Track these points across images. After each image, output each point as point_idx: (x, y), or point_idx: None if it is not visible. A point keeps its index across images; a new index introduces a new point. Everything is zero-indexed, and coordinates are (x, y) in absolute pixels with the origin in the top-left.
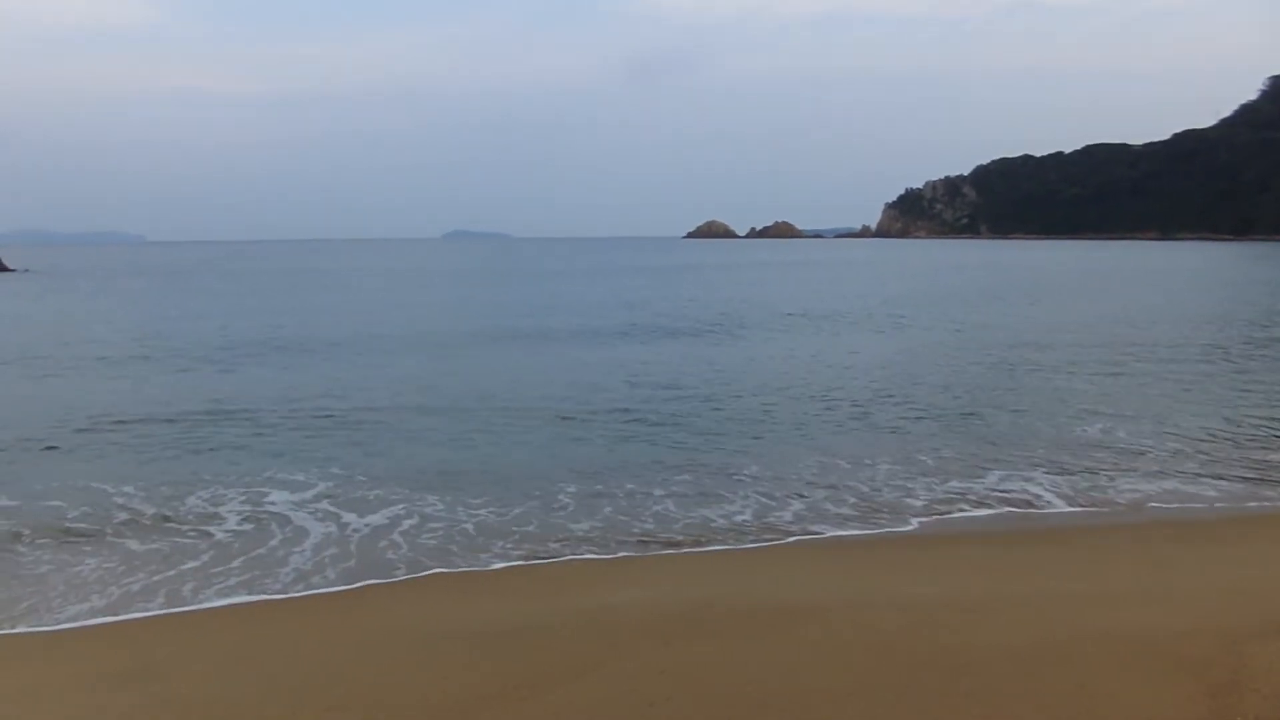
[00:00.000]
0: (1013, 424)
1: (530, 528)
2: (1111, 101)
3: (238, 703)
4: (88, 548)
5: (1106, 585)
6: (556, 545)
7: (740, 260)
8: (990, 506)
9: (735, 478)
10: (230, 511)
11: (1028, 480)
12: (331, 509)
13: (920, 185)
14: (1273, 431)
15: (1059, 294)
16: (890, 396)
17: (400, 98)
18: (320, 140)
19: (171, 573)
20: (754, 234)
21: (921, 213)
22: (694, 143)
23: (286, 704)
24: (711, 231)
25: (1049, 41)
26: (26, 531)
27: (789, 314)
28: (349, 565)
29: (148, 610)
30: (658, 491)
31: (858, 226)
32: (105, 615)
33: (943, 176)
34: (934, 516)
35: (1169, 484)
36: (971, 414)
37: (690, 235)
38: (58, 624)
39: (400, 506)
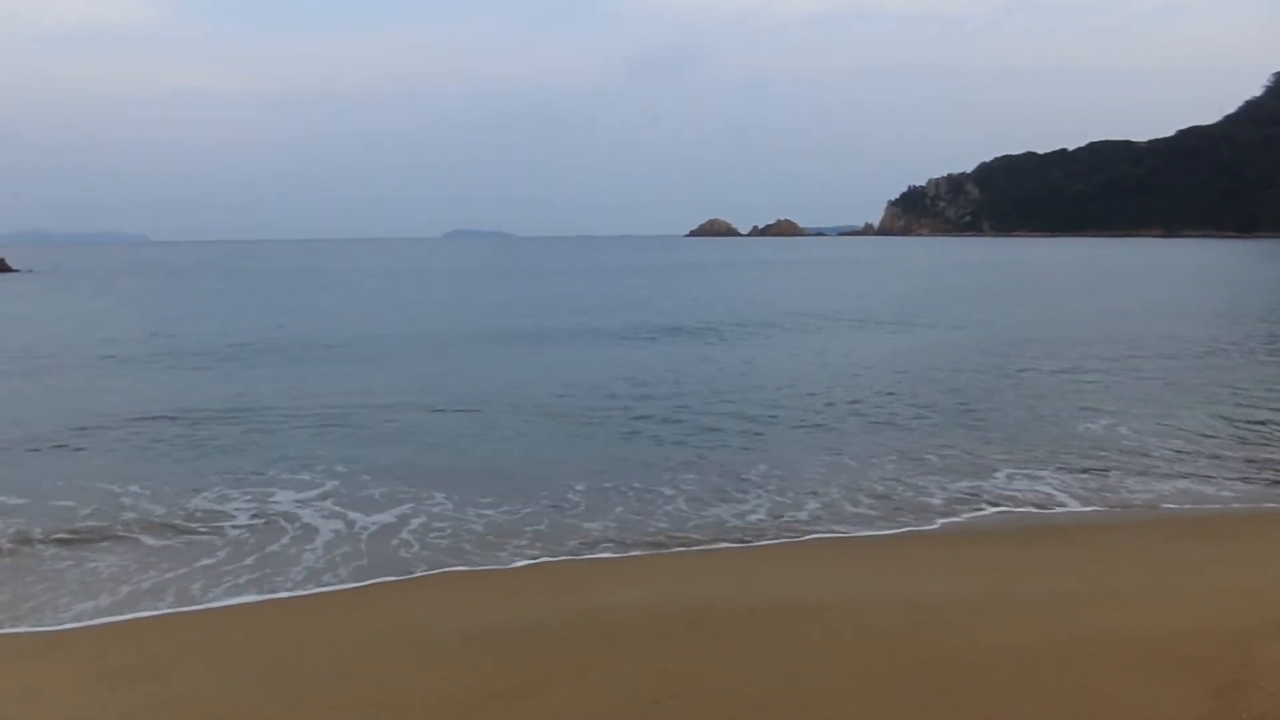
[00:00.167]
0: (1018, 422)
1: (542, 527)
2: (1115, 98)
3: (240, 701)
4: (94, 547)
5: (1109, 584)
6: (574, 544)
7: (742, 259)
8: (1009, 506)
9: (744, 476)
10: (237, 511)
11: (1036, 479)
12: (338, 508)
13: (923, 183)
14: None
15: (1063, 292)
16: (893, 394)
17: (401, 97)
18: (321, 140)
19: (179, 572)
20: (756, 232)
21: (924, 210)
22: (696, 141)
23: (289, 703)
24: (713, 230)
25: (1052, 38)
26: (33, 530)
27: (791, 313)
28: (357, 565)
29: (154, 610)
30: (668, 490)
31: (860, 224)
32: (110, 614)
33: (946, 174)
34: (955, 518)
35: (1179, 484)
36: (977, 412)
37: (692, 233)
38: (63, 623)
39: (408, 506)
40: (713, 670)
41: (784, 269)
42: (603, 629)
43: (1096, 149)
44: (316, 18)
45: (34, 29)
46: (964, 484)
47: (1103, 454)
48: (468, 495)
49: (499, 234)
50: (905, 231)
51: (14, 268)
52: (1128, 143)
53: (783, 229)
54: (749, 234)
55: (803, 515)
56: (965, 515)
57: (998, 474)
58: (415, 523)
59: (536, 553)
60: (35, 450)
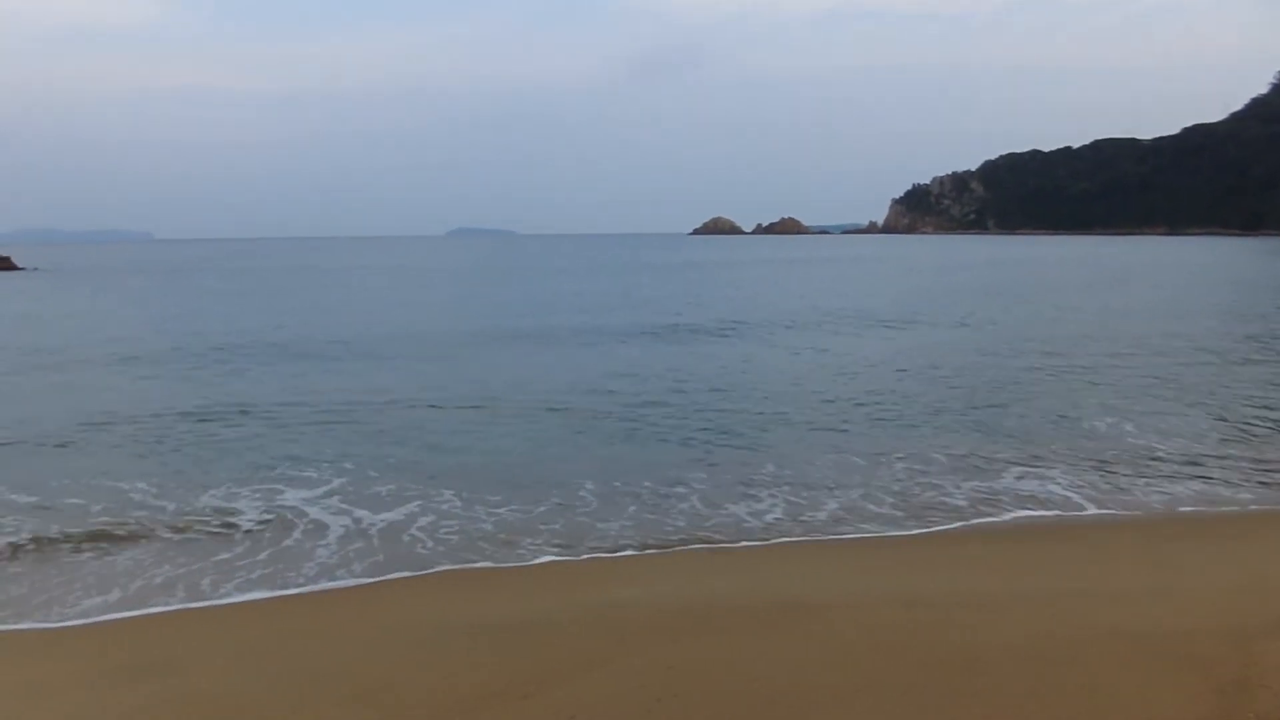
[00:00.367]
0: (1024, 420)
1: (557, 526)
2: (1120, 96)
3: (245, 698)
4: (103, 544)
5: (1113, 584)
6: (592, 543)
7: (745, 257)
8: (1033, 508)
9: (754, 475)
10: (245, 508)
11: (1045, 480)
12: (346, 505)
13: (927, 181)
14: None
15: (1067, 290)
16: (897, 393)
17: (403, 96)
18: (324, 138)
19: (189, 569)
20: (760, 230)
21: (929, 208)
22: (699, 139)
23: (294, 699)
24: (717, 228)
25: (1055, 36)
26: (42, 527)
27: (793, 311)
28: (366, 563)
29: (164, 606)
30: (679, 489)
31: (864, 222)
32: (119, 610)
33: (950, 172)
34: (984, 519)
35: (1183, 483)
36: (982, 410)
37: (696, 232)
38: (69, 620)
39: (416, 503)
40: (718, 668)
41: (787, 267)
42: (608, 626)
43: (1101, 147)
44: (317, 17)
45: (35, 29)
46: (975, 484)
47: (1108, 453)
48: (476, 493)
49: (502, 232)
50: (909, 229)
51: (20, 266)
52: (1133, 140)
53: (786, 227)
54: (752, 232)
55: (822, 515)
56: (996, 517)
57: (1007, 474)
58: (424, 520)
59: (554, 552)
60: (43, 447)
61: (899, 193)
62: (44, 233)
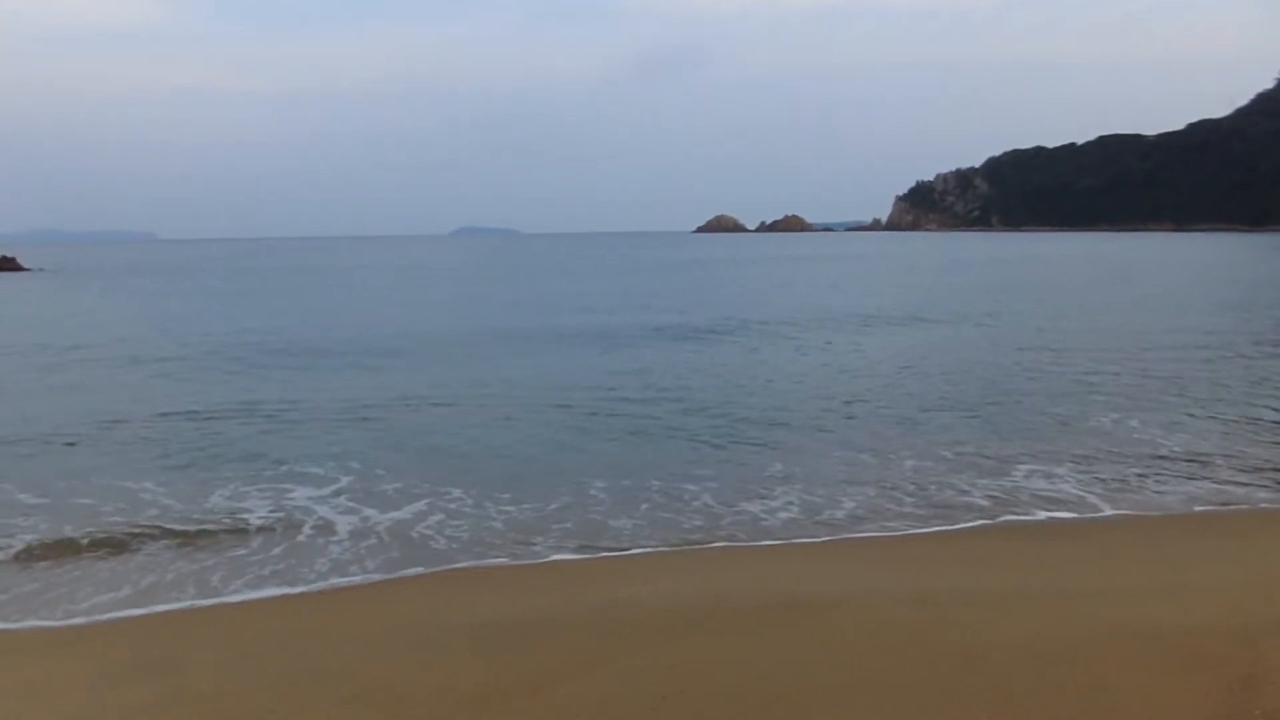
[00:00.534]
0: (1030, 418)
1: (569, 524)
2: (1124, 92)
3: (248, 696)
4: (110, 543)
5: (1120, 581)
6: (606, 542)
7: (749, 255)
8: (1046, 508)
9: (764, 473)
10: (254, 507)
11: (1054, 478)
12: (354, 504)
13: (931, 178)
14: None
15: (1071, 287)
16: (903, 391)
17: (406, 96)
18: (326, 138)
19: (200, 566)
20: (764, 228)
21: (933, 205)
22: (702, 137)
23: (297, 698)
24: (721, 226)
25: (1059, 31)
26: (51, 527)
27: (798, 309)
28: (376, 561)
29: (171, 604)
30: (690, 487)
31: (868, 220)
32: (127, 608)
33: (954, 169)
34: (985, 519)
35: (1190, 480)
36: (988, 408)
37: (700, 230)
38: (74, 618)
39: (424, 502)
40: (721, 666)
41: (791, 265)
42: (611, 625)
43: (1105, 143)
44: (317, 17)
45: (35, 29)
46: (985, 481)
47: (1114, 450)
48: (485, 491)
49: (506, 230)
50: (913, 227)
51: (25, 267)
52: (1137, 136)
53: (790, 225)
54: (756, 230)
55: (840, 514)
56: (1005, 515)
57: (1015, 471)
58: (434, 519)
59: (567, 550)
60: (51, 446)
61: (903, 190)
62: (48, 233)
